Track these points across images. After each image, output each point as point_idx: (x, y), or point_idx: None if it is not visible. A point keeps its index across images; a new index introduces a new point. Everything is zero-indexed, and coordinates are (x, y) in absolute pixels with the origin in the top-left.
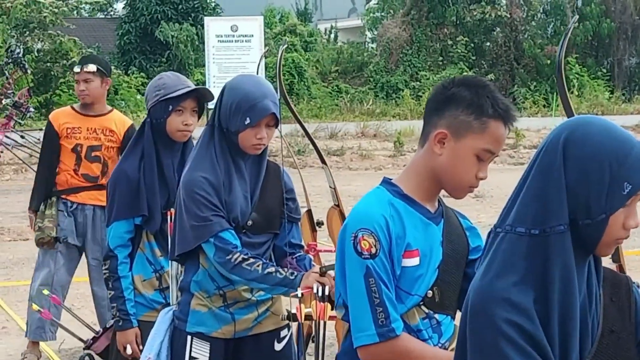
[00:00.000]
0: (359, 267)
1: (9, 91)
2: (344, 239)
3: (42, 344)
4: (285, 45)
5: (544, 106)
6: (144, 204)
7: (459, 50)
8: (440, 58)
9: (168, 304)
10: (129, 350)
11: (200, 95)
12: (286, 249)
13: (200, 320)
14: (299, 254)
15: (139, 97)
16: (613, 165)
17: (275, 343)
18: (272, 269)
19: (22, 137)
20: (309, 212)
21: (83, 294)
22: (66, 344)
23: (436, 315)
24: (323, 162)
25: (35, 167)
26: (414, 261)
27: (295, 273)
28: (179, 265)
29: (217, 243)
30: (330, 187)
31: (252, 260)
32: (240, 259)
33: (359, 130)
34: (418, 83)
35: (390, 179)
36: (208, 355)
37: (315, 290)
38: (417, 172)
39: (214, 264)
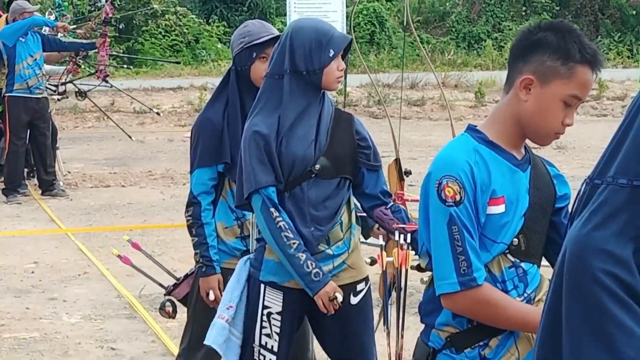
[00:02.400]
0: (442, 215)
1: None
2: (427, 186)
3: (122, 290)
4: None
5: (628, 57)
6: (227, 151)
7: (543, 0)
8: (524, 8)
9: (249, 252)
10: (211, 296)
11: None
12: (378, 197)
13: (273, 269)
14: (392, 204)
15: (219, 46)
16: None
17: (352, 297)
18: (303, 256)
19: (106, 81)
20: (397, 160)
21: (163, 240)
22: (146, 290)
23: (522, 264)
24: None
25: (115, 115)
26: (499, 208)
27: (320, 275)
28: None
29: (265, 197)
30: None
31: (291, 235)
32: (283, 225)
33: (440, 80)
34: (500, 34)
35: (475, 126)
36: (281, 304)
37: (397, 238)
38: (502, 119)
39: (257, 217)
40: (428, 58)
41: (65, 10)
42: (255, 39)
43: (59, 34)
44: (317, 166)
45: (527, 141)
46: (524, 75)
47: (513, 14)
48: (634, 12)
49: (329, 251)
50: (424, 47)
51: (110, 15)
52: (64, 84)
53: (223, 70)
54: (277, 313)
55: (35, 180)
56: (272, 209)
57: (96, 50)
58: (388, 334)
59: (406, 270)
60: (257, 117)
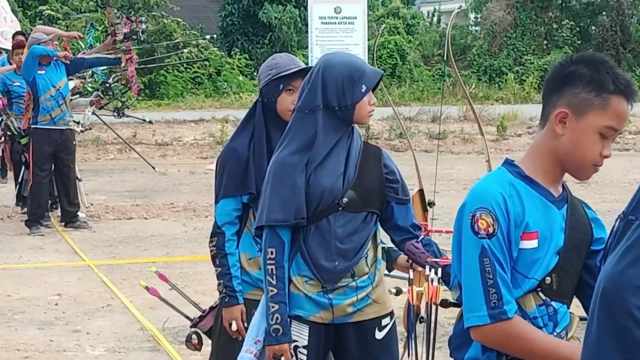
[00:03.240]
0: (475, 247)
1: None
2: (461, 218)
3: (145, 322)
4: (458, 13)
5: None
6: (252, 182)
7: (564, 34)
8: (545, 42)
9: None
10: (234, 327)
11: None
12: (409, 230)
13: (298, 304)
14: (422, 237)
15: (241, 78)
16: None
17: (377, 331)
18: (275, 306)
19: (121, 115)
20: (421, 191)
21: (186, 273)
22: (170, 323)
23: (553, 303)
24: (482, 134)
25: (137, 147)
26: (532, 243)
27: (279, 333)
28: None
29: (269, 234)
30: (485, 160)
31: (274, 281)
32: (272, 269)
33: (461, 113)
34: (522, 67)
35: (512, 161)
36: (307, 338)
37: (427, 272)
38: (540, 153)
39: (263, 245)
40: (467, 92)
41: (93, 32)
42: (283, 71)
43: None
44: (345, 199)
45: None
46: (559, 109)
47: (534, 48)
48: None
49: (353, 284)
50: (444, 80)
51: (129, 29)
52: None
53: (244, 103)
54: (303, 347)
55: (57, 212)
56: (271, 249)
57: (122, 67)
58: None
59: (436, 305)
60: (286, 150)
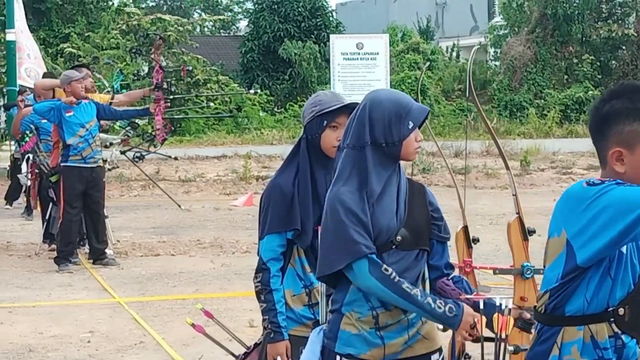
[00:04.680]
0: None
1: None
2: (580, 195)
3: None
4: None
5: None
6: (297, 218)
7: (585, 69)
8: (566, 76)
9: (316, 320)
10: None
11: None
12: (442, 269)
13: (349, 342)
14: (454, 275)
15: (262, 114)
16: None
17: None
18: (430, 300)
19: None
20: (466, 228)
21: (217, 310)
22: (205, 359)
23: (622, 336)
24: (507, 167)
25: (161, 184)
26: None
27: (454, 310)
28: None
29: (370, 260)
30: (512, 194)
31: (411, 286)
32: (400, 278)
33: (483, 148)
34: (543, 101)
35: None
36: None
37: (498, 304)
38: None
39: (364, 281)
40: (490, 126)
41: (121, 78)
42: (326, 107)
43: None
44: (399, 237)
45: None
46: (611, 149)
47: (555, 82)
48: None
49: (405, 321)
50: (465, 115)
51: (160, 79)
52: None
53: (266, 139)
54: None
55: (85, 249)
56: (385, 266)
57: (152, 115)
58: None
59: (506, 336)
60: (345, 187)
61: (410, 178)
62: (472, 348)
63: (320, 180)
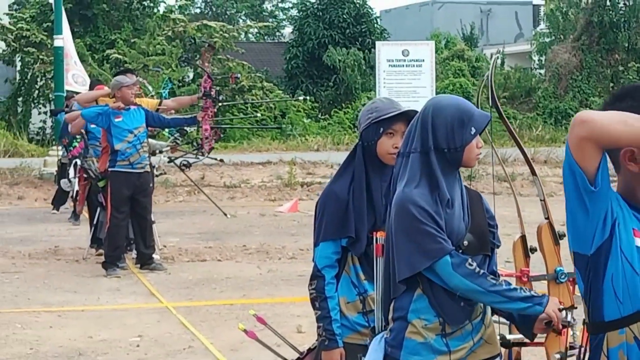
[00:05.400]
0: None
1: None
2: None
3: None
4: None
5: None
6: (352, 225)
7: (631, 77)
8: (611, 84)
9: (371, 328)
10: None
11: (411, 118)
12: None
13: (415, 350)
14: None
15: (306, 120)
16: None
17: None
18: (515, 287)
19: (187, 166)
20: (523, 237)
21: (264, 315)
22: None
23: None
24: (534, 173)
25: (206, 189)
26: None
27: (538, 293)
28: (393, 288)
29: (453, 256)
30: (540, 199)
31: (491, 276)
32: (483, 271)
33: (529, 156)
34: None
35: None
36: None
37: (564, 316)
38: (630, 188)
39: (449, 280)
40: (515, 132)
41: (170, 87)
42: (383, 114)
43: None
44: (465, 242)
45: None
46: (623, 150)
47: (600, 90)
48: None
49: (469, 326)
50: (510, 122)
51: (208, 87)
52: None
53: (310, 145)
54: None
55: (132, 254)
56: (469, 260)
57: (199, 124)
58: None
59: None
60: (417, 190)
61: (466, 185)
62: (529, 358)
63: (376, 187)
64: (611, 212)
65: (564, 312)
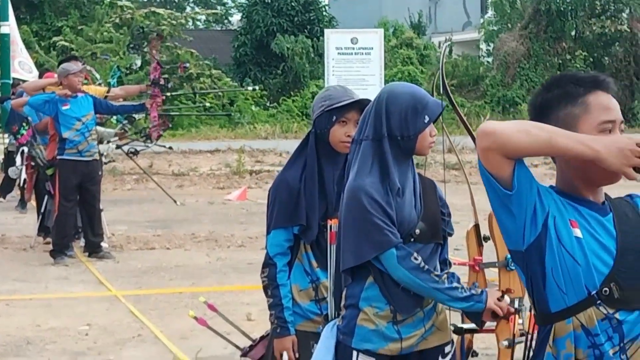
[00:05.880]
0: None
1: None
2: None
3: (178, 353)
4: (448, 46)
5: None
6: (303, 213)
7: (578, 65)
8: (559, 72)
9: (323, 315)
10: (285, 358)
11: (365, 107)
12: (439, 266)
13: (367, 337)
14: (447, 270)
15: (255, 108)
16: None
17: (440, 359)
18: (458, 285)
19: (135, 153)
20: (477, 226)
21: (214, 304)
22: (203, 353)
23: (616, 315)
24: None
25: (154, 177)
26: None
27: (479, 289)
28: (343, 277)
29: (399, 249)
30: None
31: (438, 272)
32: (428, 266)
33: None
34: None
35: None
36: None
37: (509, 302)
38: (567, 178)
39: (393, 272)
40: (464, 119)
41: (118, 75)
42: (336, 102)
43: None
44: (417, 230)
45: None
46: None
47: (548, 78)
48: None
49: (421, 314)
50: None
51: (157, 75)
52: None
53: (259, 133)
54: None
55: (80, 242)
56: (414, 255)
57: (147, 112)
58: None
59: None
60: (368, 179)
61: (420, 173)
62: (478, 345)
63: (328, 176)
64: (541, 207)
65: (512, 299)
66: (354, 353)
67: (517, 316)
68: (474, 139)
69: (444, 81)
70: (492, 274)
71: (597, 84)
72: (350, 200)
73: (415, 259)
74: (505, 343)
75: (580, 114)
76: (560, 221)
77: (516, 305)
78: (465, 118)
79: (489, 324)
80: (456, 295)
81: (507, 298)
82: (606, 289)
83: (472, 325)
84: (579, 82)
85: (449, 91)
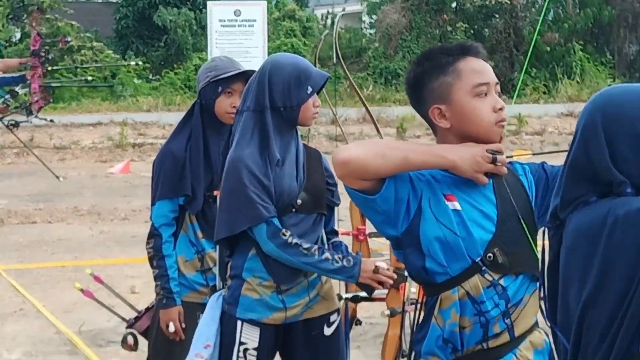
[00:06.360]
0: None
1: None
2: None
3: (61, 326)
4: (341, 16)
5: (544, 93)
6: (188, 183)
7: (459, 37)
8: (440, 44)
9: (210, 286)
10: (171, 328)
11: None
12: (326, 235)
13: (251, 307)
14: (334, 239)
15: (137, 81)
16: None
17: (325, 328)
18: (329, 255)
19: (15, 125)
20: None
21: (114, 275)
22: (86, 326)
23: (500, 281)
24: (378, 131)
25: (35, 151)
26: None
27: (352, 260)
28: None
29: (269, 224)
30: None
31: (308, 245)
32: (296, 240)
33: (360, 116)
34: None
35: None
36: (258, 340)
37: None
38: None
39: (263, 245)
40: (360, 93)
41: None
42: (222, 73)
43: None
44: (299, 201)
45: None
46: (430, 108)
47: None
48: (548, 49)
49: (305, 283)
50: (341, 82)
51: (37, 46)
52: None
53: (141, 106)
54: (254, 349)
55: None
56: (283, 230)
57: (28, 82)
58: None
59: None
60: (246, 151)
61: (305, 144)
62: (362, 314)
63: (213, 146)
64: (414, 195)
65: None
66: (239, 323)
67: (407, 285)
68: (368, 110)
69: (338, 52)
70: (376, 244)
71: (465, 50)
72: (228, 172)
73: (284, 234)
74: (388, 312)
75: (452, 81)
76: (434, 201)
77: (405, 273)
78: (347, 90)
79: (380, 293)
80: (326, 268)
81: (383, 264)
82: (490, 254)
83: (358, 294)
84: (448, 52)
85: (343, 62)
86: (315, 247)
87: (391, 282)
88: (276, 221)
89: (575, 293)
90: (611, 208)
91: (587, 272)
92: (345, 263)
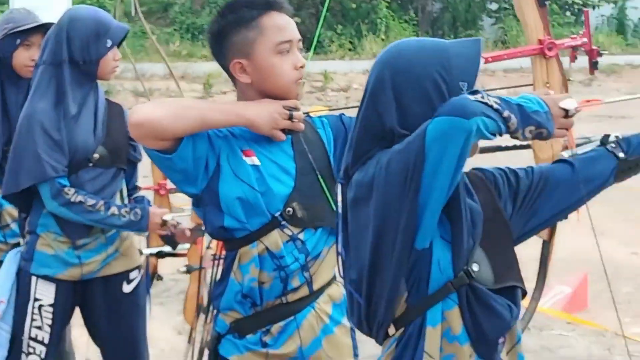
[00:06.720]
0: None
1: None
2: None
3: None
4: None
5: (350, 50)
6: None
7: None
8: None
9: (6, 243)
10: None
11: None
12: (129, 191)
13: (45, 262)
14: (136, 195)
15: None
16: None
17: (125, 284)
18: (115, 210)
19: None
20: None
21: None
22: None
23: (300, 236)
24: (179, 87)
25: None
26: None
27: (139, 213)
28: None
29: (52, 183)
30: None
31: (93, 201)
32: (80, 198)
33: (166, 72)
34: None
35: None
36: (54, 297)
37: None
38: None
39: (47, 205)
40: (160, 49)
41: None
42: (20, 25)
43: None
44: (96, 155)
45: None
46: (231, 62)
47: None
48: (354, 6)
49: (103, 239)
50: (147, 38)
51: None
52: None
53: None
54: (49, 305)
55: None
56: (65, 189)
57: None
58: None
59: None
60: (40, 105)
61: (108, 99)
62: (165, 271)
63: (11, 100)
64: (212, 151)
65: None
66: (33, 279)
67: (204, 240)
68: (168, 65)
69: (137, 6)
70: (178, 199)
71: (270, 4)
72: (20, 127)
73: (67, 193)
74: (183, 269)
75: (255, 37)
76: (232, 157)
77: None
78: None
79: (183, 248)
80: (114, 223)
81: (169, 217)
82: (289, 209)
83: (162, 249)
84: (252, 5)
85: (143, 16)
86: (101, 202)
87: (184, 235)
88: (64, 180)
89: (364, 245)
90: (380, 157)
91: (368, 222)
92: (132, 217)
